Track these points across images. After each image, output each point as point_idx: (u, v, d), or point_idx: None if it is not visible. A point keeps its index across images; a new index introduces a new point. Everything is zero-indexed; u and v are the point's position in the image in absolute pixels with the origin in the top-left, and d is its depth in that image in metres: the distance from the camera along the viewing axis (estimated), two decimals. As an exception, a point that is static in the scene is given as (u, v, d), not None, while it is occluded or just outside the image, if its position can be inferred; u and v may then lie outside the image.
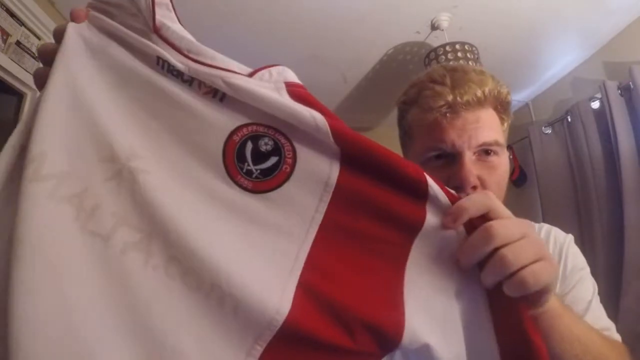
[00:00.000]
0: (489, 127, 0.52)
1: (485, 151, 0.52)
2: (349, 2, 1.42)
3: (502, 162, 0.54)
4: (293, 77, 0.37)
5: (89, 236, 0.29)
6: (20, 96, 1.27)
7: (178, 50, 0.33)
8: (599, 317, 0.55)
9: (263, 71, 0.36)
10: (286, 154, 0.33)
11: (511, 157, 2.39)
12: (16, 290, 0.26)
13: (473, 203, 0.33)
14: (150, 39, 0.33)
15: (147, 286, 0.29)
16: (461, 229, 0.34)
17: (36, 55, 1.25)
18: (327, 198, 0.33)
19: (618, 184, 1.55)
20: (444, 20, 1.51)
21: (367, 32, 1.61)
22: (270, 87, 0.35)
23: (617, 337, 0.54)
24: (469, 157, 0.51)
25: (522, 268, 0.31)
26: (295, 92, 0.35)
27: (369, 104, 2.33)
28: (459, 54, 1.45)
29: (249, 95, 0.33)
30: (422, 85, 0.54)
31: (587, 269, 0.59)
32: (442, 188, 0.34)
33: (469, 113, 0.51)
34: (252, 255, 0.32)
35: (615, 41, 1.70)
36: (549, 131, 2.03)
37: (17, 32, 1.18)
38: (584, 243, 1.79)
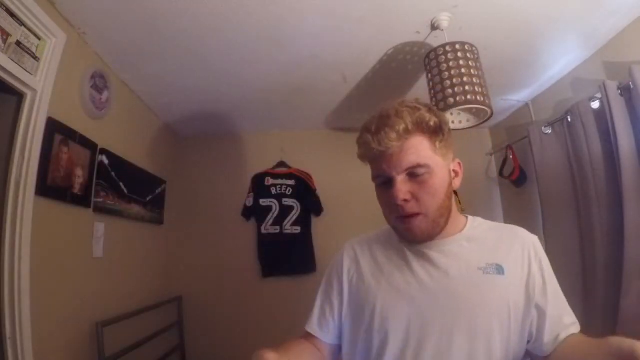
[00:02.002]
0: (412, 153, 0.68)
1: (414, 173, 0.68)
2: (348, 2, 1.42)
3: (434, 176, 0.70)
4: None
5: None
6: (20, 96, 1.26)
7: None
8: (570, 313, 0.72)
9: None
10: None
11: (511, 157, 2.39)
12: None
13: None
14: None
15: None
16: None
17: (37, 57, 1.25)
18: None
19: (618, 184, 1.55)
20: (444, 20, 1.51)
21: (367, 33, 1.61)
22: None
23: (578, 326, 0.71)
24: (400, 179, 0.69)
25: None
26: None
27: (369, 104, 2.33)
28: (459, 54, 1.45)
29: None
30: (360, 134, 0.74)
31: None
32: None
33: (394, 148, 0.68)
34: None
35: (615, 41, 1.69)
36: (549, 131, 2.03)
37: (17, 32, 1.18)
38: (583, 243, 1.79)
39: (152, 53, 1.71)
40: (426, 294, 0.71)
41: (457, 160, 0.77)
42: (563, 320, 0.70)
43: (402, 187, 0.68)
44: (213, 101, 2.26)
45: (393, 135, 0.67)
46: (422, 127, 0.70)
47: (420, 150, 0.69)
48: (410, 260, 0.76)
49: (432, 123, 0.70)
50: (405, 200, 0.68)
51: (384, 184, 0.72)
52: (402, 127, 0.68)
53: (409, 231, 0.72)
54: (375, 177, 0.74)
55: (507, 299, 0.69)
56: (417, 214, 0.70)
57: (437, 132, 0.71)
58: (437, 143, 0.71)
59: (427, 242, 0.74)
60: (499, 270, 0.71)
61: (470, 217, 0.82)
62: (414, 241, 0.74)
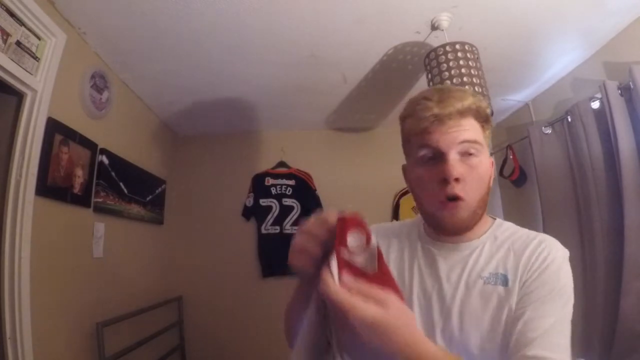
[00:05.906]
0: (469, 130, 0.66)
1: (467, 152, 0.66)
2: (349, 2, 1.42)
3: (482, 162, 0.68)
4: None
5: None
6: (20, 96, 1.26)
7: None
8: (555, 345, 0.58)
9: None
10: None
11: (511, 157, 2.39)
12: None
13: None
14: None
15: None
16: None
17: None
18: None
19: (618, 184, 1.55)
20: (444, 20, 1.51)
21: (367, 33, 1.61)
22: None
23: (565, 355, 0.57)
24: (453, 155, 0.65)
25: None
26: None
27: (369, 104, 2.33)
28: (459, 54, 1.45)
29: None
30: (415, 102, 0.70)
31: (570, 293, 0.63)
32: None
33: (452, 121, 0.65)
34: None
35: (615, 41, 1.70)
36: (549, 131, 2.03)
37: (17, 32, 1.18)
38: (583, 243, 1.79)
39: (152, 53, 1.71)
40: (425, 298, 0.70)
41: (491, 159, 0.74)
42: (527, 335, 0.59)
43: (456, 164, 0.65)
44: (213, 101, 2.26)
45: (459, 105, 0.65)
46: (479, 112, 0.68)
47: (474, 130, 0.68)
48: (420, 263, 0.74)
49: (488, 111, 0.69)
50: (457, 180, 0.64)
51: (431, 159, 0.67)
52: (466, 102, 0.66)
53: (449, 217, 0.67)
54: (420, 148, 0.68)
55: (503, 313, 0.63)
56: (461, 199, 0.65)
57: (488, 121, 0.71)
58: (486, 132, 0.71)
59: (460, 234, 0.70)
60: (503, 281, 0.66)
61: (497, 221, 0.75)
62: (450, 229, 0.69)
